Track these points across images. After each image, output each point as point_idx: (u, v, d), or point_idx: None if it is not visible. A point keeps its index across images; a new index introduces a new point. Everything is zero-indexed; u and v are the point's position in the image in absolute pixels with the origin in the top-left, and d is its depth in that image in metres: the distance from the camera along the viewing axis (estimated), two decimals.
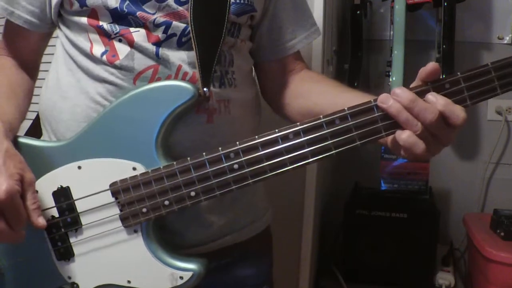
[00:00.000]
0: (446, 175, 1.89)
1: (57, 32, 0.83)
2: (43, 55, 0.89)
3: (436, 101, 0.61)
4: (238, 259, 0.84)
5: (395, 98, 0.62)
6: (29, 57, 0.85)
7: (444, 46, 1.53)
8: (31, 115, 0.87)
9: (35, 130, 0.86)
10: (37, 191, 0.71)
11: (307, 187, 1.47)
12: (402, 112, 0.62)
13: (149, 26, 0.73)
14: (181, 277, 0.70)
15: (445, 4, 1.53)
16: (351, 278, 1.60)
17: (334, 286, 1.62)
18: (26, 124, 0.85)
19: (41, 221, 0.69)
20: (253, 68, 0.91)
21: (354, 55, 1.72)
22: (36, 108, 0.86)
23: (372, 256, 1.58)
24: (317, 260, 1.66)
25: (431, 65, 0.62)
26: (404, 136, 0.62)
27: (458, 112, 0.61)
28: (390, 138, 0.67)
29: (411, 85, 0.66)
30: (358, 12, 1.71)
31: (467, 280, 1.72)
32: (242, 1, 0.77)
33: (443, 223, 1.74)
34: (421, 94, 0.63)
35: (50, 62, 0.84)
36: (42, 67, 0.88)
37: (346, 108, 0.65)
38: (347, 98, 0.73)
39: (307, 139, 0.65)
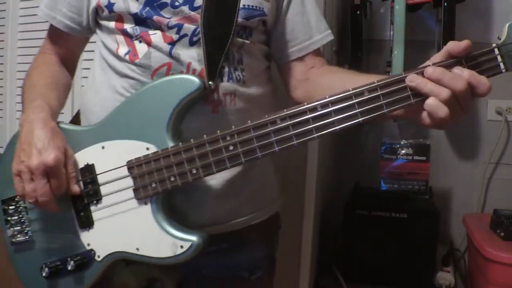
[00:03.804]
0: (446, 175, 1.89)
1: (95, 38, 0.96)
2: (80, 56, 1.03)
3: (462, 73, 0.67)
4: (236, 244, 0.91)
5: (426, 76, 0.68)
6: (68, 57, 0.99)
7: (443, 46, 1.53)
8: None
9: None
10: None
11: (307, 187, 1.47)
12: (427, 84, 0.68)
13: (164, 28, 0.83)
14: (182, 246, 0.78)
15: (445, 4, 1.53)
16: (351, 278, 1.61)
17: (334, 286, 1.62)
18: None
19: (76, 188, 0.82)
20: (278, 71, 0.99)
21: (354, 55, 1.72)
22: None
23: (372, 256, 1.58)
24: (317, 260, 1.66)
25: (465, 43, 0.68)
26: (429, 101, 0.67)
27: (484, 81, 0.67)
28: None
29: (433, 59, 0.71)
30: (358, 12, 1.71)
31: (467, 280, 1.72)
32: (251, 7, 0.86)
33: (443, 223, 1.74)
34: (447, 68, 0.69)
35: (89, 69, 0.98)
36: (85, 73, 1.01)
37: (375, 81, 0.71)
38: (369, 78, 0.77)
39: (292, 123, 0.73)
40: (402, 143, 1.71)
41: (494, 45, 0.69)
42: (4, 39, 1.89)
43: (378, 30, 1.91)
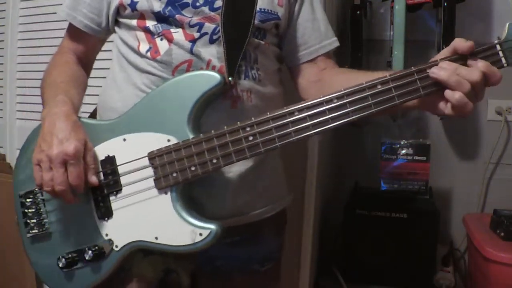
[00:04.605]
0: (446, 175, 1.89)
1: (113, 39, 0.99)
2: (97, 56, 1.05)
3: (477, 64, 0.71)
4: (250, 237, 0.96)
5: (444, 67, 0.72)
6: (85, 57, 1.02)
7: (444, 46, 1.52)
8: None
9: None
10: None
11: (307, 187, 1.47)
12: (452, 75, 0.71)
13: (185, 27, 0.87)
14: (201, 234, 0.80)
15: (445, 4, 1.54)
16: (351, 278, 1.61)
17: (334, 286, 1.62)
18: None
19: (94, 179, 0.84)
20: (290, 73, 1.02)
21: (354, 55, 1.72)
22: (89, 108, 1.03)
23: (372, 256, 1.58)
24: (317, 260, 1.66)
25: (471, 43, 0.72)
26: (457, 96, 0.71)
27: (496, 71, 0.71)
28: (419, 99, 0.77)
29: (439, 56, 0.74)
30: (358, 12, 1.71)
31: (467, 280, 1.72)
32: (266, 10, 0.91)
33: (443, 223, 1.74)
34: (460, 61, 0.72)
35: (108, 68, 1.00)
36: (102, 73, 1.04)
37: (388, 75, 0.75)
38: (381, 75, 0.79)
39: (309, 114, 0.77)
40: (402, 143, 1.71)
41: (496, 41, 0.72)
42: (4, 39, 1.89)
43: (378, 30, 1.91)
